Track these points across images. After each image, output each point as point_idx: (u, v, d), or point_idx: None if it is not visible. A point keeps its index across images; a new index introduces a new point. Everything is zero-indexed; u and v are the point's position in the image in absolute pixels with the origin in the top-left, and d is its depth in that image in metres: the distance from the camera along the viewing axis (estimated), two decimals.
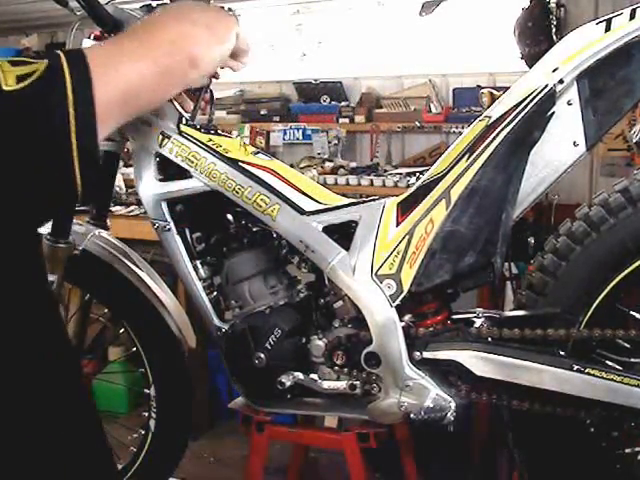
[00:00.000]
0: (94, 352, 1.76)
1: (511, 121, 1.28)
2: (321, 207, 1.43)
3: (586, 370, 1.24)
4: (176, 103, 1.42)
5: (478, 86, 3.30)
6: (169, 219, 1.48)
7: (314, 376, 1.45)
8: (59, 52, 0.79)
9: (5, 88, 0.74)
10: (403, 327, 1.34)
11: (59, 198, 0.82)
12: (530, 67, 1.31)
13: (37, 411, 0.86)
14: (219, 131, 1.50)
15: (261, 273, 1.49)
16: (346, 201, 1.49)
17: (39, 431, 0.85)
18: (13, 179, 0.76)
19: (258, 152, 1.50)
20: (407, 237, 1.34)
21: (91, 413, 0.97)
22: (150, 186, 1.47)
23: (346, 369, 1.40)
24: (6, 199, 0.76)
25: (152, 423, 1.71)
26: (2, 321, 0.82)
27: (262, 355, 1.44)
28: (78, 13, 1.41)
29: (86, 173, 0.78)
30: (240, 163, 1.44)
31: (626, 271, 1.28)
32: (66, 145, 0.76)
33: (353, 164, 3.62)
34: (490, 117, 1.32)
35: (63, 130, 0.76)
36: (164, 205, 1.47)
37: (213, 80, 1.41)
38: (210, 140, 1.45)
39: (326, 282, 1.44)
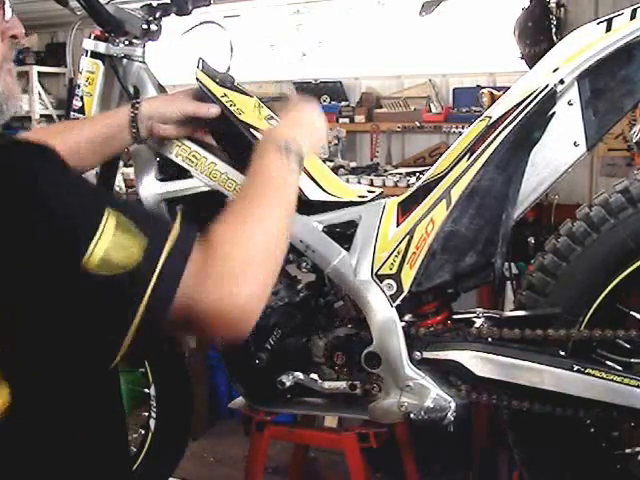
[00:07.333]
0: None
1: (512, 121, 1.27)
2: (326, 199, 1.41)
3: (586, 370, 1.24)
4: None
5: (478, 86, 3.29)
6: (169, 219, 1.47)
7: (314, 376, 1.44)
8: (173, 234, 0.82)
9: (88, 266, 0.72)
10: (403, 327, 1.34)
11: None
12: (530, 67, 1.31)
13: None
14: (236, 84, 1.40)
15: None
16: (351, 196, 1.47)
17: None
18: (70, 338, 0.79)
19: (272, 117, 1.42)
20: (407, 237, 1.34)
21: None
22: (150, 186, 1.46)
23: (346, 369, 1.40)
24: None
25: (152, 423, 1.72)
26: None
27: (262, 355, 1.43)
28: (78, 13, 1.41)
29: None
30: None
31: (626, 271, 1.28)
32: (121, 340, 0.76)
33: (353, 164, 3.61)
34: (490, 117, 1.32)
35: (125, 325, 0.75)
36: (164, 205, 1.47)
37: None
38: (224, 95, 1.37)
39: (326, 282, 1.44)
